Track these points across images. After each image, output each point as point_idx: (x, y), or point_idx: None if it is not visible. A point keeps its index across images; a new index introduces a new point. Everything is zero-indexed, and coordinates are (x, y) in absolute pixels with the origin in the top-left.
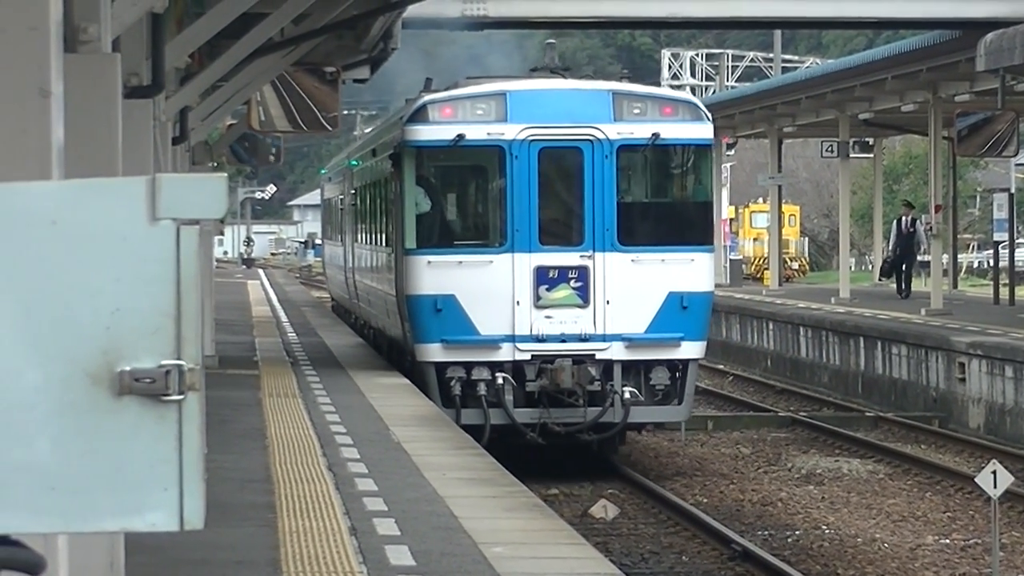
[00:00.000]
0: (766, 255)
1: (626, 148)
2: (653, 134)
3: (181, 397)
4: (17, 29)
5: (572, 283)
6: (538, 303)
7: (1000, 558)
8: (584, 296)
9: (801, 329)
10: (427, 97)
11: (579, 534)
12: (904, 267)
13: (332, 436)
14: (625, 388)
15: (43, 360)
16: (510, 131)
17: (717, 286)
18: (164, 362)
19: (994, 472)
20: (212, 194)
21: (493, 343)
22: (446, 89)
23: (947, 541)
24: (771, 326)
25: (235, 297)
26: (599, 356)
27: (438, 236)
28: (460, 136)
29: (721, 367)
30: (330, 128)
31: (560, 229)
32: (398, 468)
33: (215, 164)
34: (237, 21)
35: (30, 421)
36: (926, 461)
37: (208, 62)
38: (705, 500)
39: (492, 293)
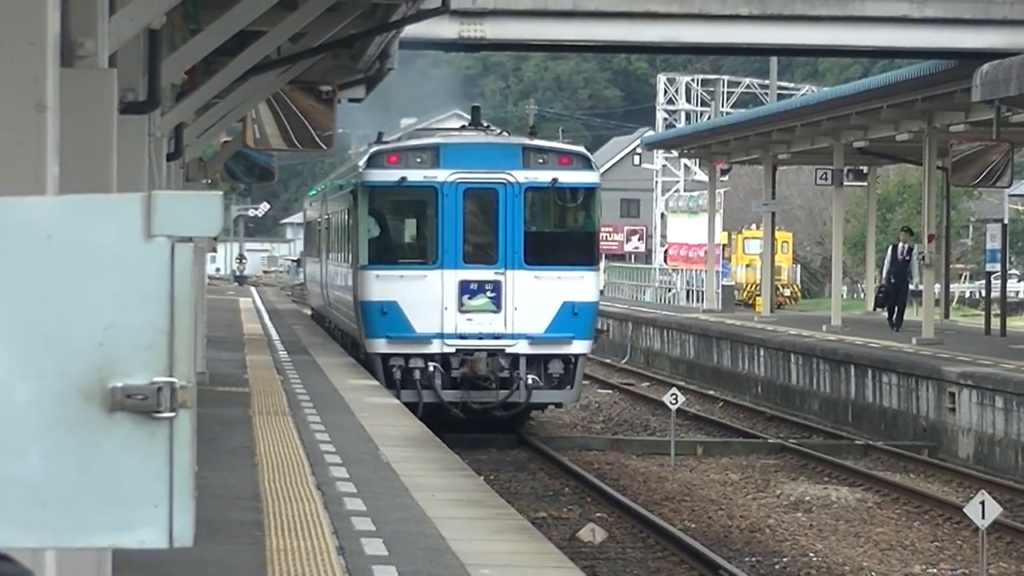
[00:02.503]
0: (758, 281)
1: (532, 189)
2: (553, 179)
3: (173, 414)
4: (14, 43)
5: (488, 293)
6: (461, 309)
7: None
8: (497, 304)
9: (792, 356)
10: (378, 147)
11: (567, 557)
12: (897, 296)
13: (321, 455)
14: (528, 375)
15: (36, 375)
16: (442, 175)
17: (709, 312)
18: (156, 379)
19: (982, 502)
20: (207, 212)
21: (426, 339)
22: (396, 140)
23: (935, 571)
24: (762, 352)
25: (227, 314)
26: (508, 350)
27: (385, 255)
28: (403, 178)
29: (711, 393)
30: (325, 147)
31: (480, 251)
32: (387, 488)
33: (209, 181)
34: (234, 39)
35: (22, 435)
36: (915, 490)
37: (204, 79)
38: (693, 525)
39: (426, 300)
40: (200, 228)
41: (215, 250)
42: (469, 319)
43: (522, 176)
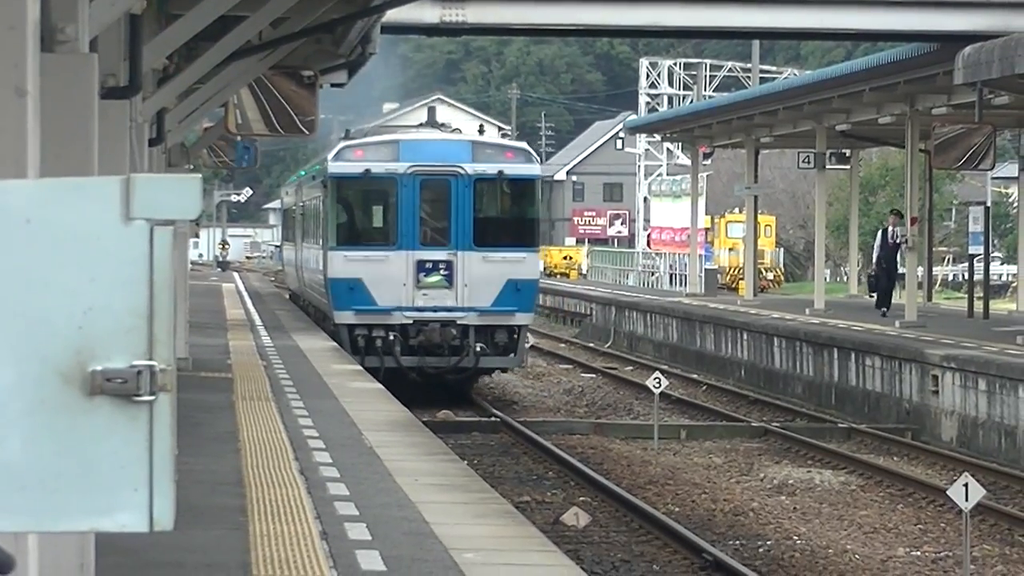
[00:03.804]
0: (741, 265)
1: (480, 180)
2: (499, 171)
3: (152, 398)
4: None
5: (442, 272)
6: (418, 285)
7: (971, 571)
8: (450, 281)
9: (775, 339)
10: (345, 143)
11: (550, 541)
12: (889, 280)
13: (305, 440)
14: (477, 344)
15: (15, 359)
16: (401, 167)
17: (692, 295)
18: (136, 362)
19: (966, 485)
20: (186, 195)
21: (387, 311)
22: (364, 136)
23: (918, 553)
24: (745, 336)
25: (210, 299)
26: (459, 322)
27: (351, 238)
28: (367, 170)
29: (695, 376)
30: (307, 132)
31: (434, 235)
32: (370, 473)
33: (192, 166)
34: (215, 23)
35: (1, 419)
36: (898, 473)
37: (186, 64)
38: (677, 509)
39: (387, 278)
40: (179, 211)
41: (198, 236)
42: (425, 294)
43: (471, 169)
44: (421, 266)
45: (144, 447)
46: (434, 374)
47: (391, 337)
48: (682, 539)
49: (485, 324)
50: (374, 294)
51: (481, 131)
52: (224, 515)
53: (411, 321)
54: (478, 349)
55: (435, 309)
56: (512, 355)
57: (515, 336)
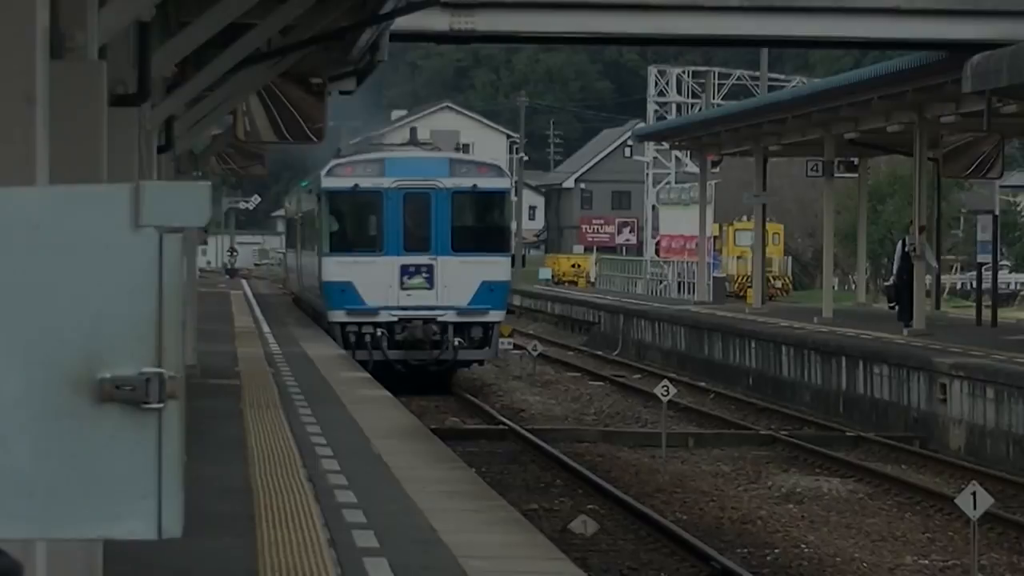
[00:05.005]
0: (749, 273)
1: (458, 193)
2: (473, 185)
3: (161, 405)
4: (4, 35)
5: (423, 274)
6: (403, 287)
7: None
8: (431, 282)
9: (783, 348)
10: (336, 161)
11: (558, 549)
12: (908, 291)
13: (313, 448)
14: (455, 339)
15: (24, 365)
16: (386, 182)
17: (700, 303)
18: (145, 370)
19: (974, 493)
20: (195, 202)
21: (375, 310)
22: (354, 153)
23: (926, 562)
24: (753, 344)
25: (218, 307)
26: (439, 319)
27: (342, 245)
28: (356, 185)
29: (703, 384)
30: (315, 140)
31: (416, 242)
32: (378, 480)
33: (200, 173)
34: (224, 31)
35: (10, 426)
36: (906, 481)
37: (195, 71)
38: (685, 517)
39: (375, 280)
40: (188, 218)
41: (206, 243)
42: (408, 295)
43: (450, 182)
44: (405, 270)
45: (153, 454)
46: (417, 366)
47: (379, 333)
48: (690, 547)
49: (462, 321)
50: (363, 295)
51: (457, 149)
52: (232, 522)
53: (396, 319)
54: (456, 344)
55: (418, 308)
56: (487, 348)
57: (489, 332)
